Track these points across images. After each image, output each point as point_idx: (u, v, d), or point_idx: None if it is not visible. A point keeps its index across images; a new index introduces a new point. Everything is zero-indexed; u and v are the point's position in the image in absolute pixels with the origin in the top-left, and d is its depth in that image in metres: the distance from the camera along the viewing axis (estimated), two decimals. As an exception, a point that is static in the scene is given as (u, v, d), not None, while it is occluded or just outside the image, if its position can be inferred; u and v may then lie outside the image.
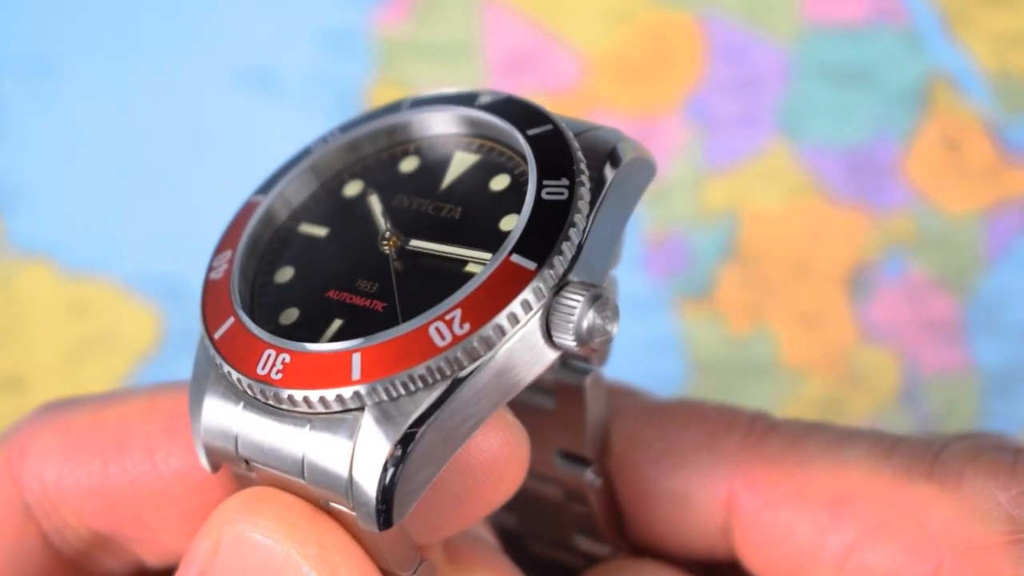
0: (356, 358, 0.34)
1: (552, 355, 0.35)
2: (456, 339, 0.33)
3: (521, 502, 0.45)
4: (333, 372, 0.34)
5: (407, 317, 0.34)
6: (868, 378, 0.62)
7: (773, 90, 0.64)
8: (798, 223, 0.64)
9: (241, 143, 0.64)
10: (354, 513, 0.34)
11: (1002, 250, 0.63)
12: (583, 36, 0.65)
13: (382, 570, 0.35)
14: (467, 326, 0.33)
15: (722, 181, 0.64)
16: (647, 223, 0.64)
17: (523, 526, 0.46)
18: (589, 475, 0.43)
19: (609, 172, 0.36)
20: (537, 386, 0.42)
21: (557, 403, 0.42)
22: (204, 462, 0.37)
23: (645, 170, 0.38)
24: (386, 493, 0.33)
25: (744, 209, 0.64)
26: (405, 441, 0.33)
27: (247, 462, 0.36)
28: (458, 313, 0.34)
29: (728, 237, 0.64)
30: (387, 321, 0.35)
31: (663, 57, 0.65)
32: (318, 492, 0.35)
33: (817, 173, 0.64)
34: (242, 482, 0.37)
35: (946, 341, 0.63)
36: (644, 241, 0.64)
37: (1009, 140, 0.64)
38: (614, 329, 0.35)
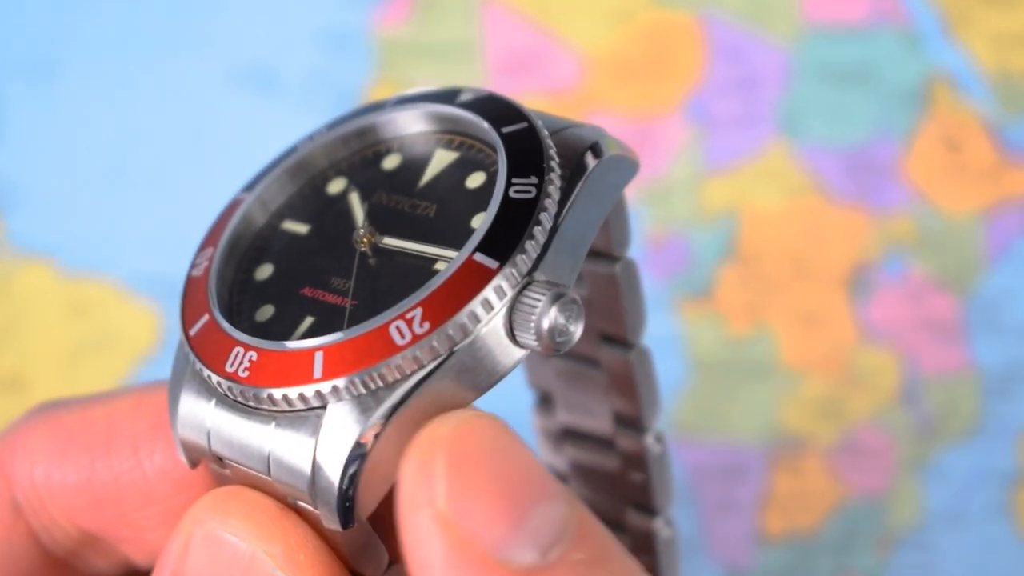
0: (318, 356, 0.34)
1: (518, 354, 0.34)
2: (416, 338, 0.33)
3: (582, 472, 0.45)
4: (296, 370, 0.34)
5: (367, 316, 0.34)
6: (868, 378, 0.62)
7: (773, 90, 0.64)
8: (798, 223, 0.63)
9: (241, 143, 0.64)
10: (318, 511, 0.34)
11: (1002, 250, 0.63)
12: (583, 36, 0.65)
13: (351, 570, 0.35)
14: (427, 325, 0.33)
15: (722, 181, 0.64)
16: (647, 223, 0.63)
17: (582, 495, 0.46)
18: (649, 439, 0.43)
19: (583, 170, 0.36)
20: (587, 359, 0.42)
21: (607, 375, 0.42)
22: (182, 457, 0.37)
23: (625, 168, 0.37)
24: (347, 492, 0.33)
25: (744, 209, 0.64)
26: (366, 440, 0.33)
27: (220, 459, 0.36)
28: (419, 312, 0.33)
29: (728, 237, 0.63)
30: (354, 319, 0.35)
31: (663, 57, 0.65)
32: (284, 490, 0.35)
33: (817, 173, 0.64)
34: (220, 480, 0.37)
35: (946, 341, 0.62)
36: (644, 241, 0.63)
37: (1009, 140, 0.63)
38: (578, 329, 0.35)
